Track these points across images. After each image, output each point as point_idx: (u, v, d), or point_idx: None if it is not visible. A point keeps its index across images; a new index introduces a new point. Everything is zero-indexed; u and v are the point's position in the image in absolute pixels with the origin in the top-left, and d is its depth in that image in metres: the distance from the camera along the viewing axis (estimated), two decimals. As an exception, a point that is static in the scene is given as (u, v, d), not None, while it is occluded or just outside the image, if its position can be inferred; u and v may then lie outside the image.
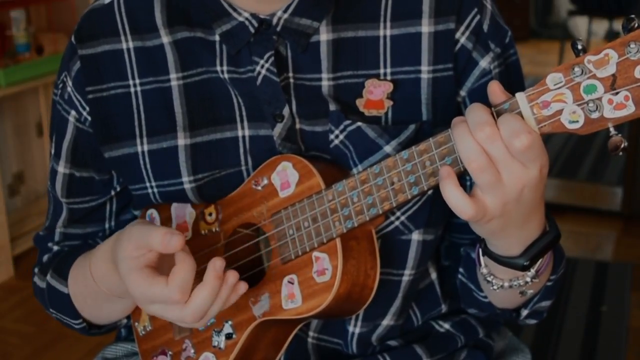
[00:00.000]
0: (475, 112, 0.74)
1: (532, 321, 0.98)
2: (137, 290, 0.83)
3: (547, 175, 0.76)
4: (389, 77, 0.91)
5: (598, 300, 2.77)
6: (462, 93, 0.94)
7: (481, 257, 0.87)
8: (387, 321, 1.00)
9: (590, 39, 5.94)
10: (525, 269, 0.83)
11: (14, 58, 3.14)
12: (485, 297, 0.95)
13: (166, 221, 0.99)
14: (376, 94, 0.91)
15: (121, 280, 0.88)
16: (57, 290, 1.02)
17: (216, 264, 0.82)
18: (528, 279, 0.85)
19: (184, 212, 0.98)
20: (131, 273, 0.83)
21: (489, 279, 0.87)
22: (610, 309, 2.71)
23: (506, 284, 0.86)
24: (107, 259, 0.91)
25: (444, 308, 1.06)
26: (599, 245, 3.24)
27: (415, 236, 0.96)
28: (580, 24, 6.38)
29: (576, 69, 0.71)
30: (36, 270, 1.08)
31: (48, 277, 1.03)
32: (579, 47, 0.72)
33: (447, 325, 1.05)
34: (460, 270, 1.00)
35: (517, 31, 6.35)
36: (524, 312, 0.95)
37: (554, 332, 2.57)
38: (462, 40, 0.92)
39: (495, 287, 0.87)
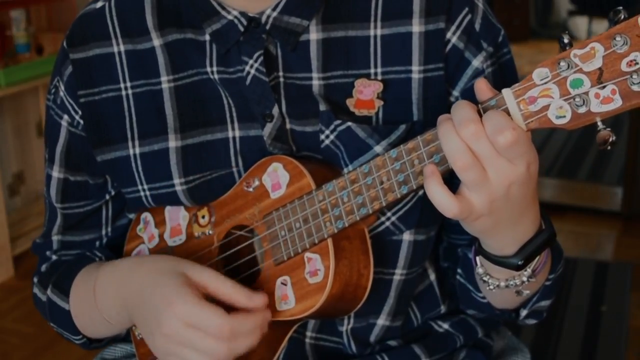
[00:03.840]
0: (461, 110, 0.73)
1: (532, 321, 0.97)
2: (183, 305, 0.82)
3: (537, 172, 0.76)
4: (379, 77, 0.91)
5: (598, 300, 2.76)
6: (455, 93, 0.93)
7: (476, 257, 0.87)
8: (382, 321, 0.99)
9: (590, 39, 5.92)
10: (519, 268, 0.82)
11: (14, 58, 3.15)
12: (484, 297, 0.95)
13: (160, 224, 1.00)
14: (366, 93, 0.91)
15: (121, 306, 0.90)
16: (58, 306, 1.02)
17: (267, 314, 0.85)
18: (524, 279, 0.84)
19: (177, 215, 0.98)
20: (185, 289, 0.83)
21: (485, 278, 0.86)
22: (610, 309, 2.71)
23: (502, 284, 0.86)
24: (116, 282, 0.93)
25: (443, 309, 1.06)
26: (599, 245, 3.23)
27: (407, 236, 0.95)
28: (580, 24, 6.37)
29: (562, 63, 0.70)
30: (35, 280, 1.08)
31: (49, 291, 1.04)
32: (565, 40, 0.71)
33: (446, 325, 1.05)
34: (459, 271, 0.99)
35: (517, 31, 6.35)
36: (523, 312, 0.95)
37: (554, 332, 2.57)
38: (454, 40, 0.91)
39: (491, 286, 0.86)
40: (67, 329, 1.04)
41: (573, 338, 2.54)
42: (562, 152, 4.12)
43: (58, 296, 1.02)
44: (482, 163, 0.73)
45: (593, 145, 4.10)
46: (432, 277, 1.05)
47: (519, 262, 0.81)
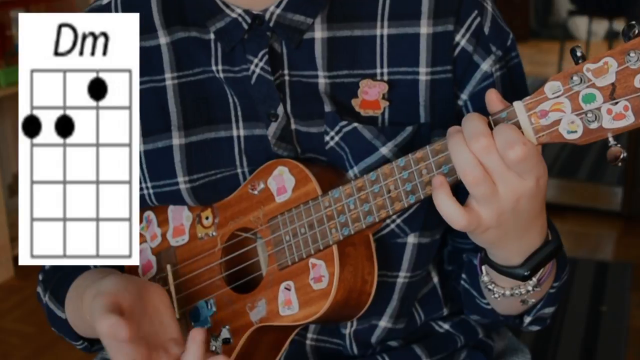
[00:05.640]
0: (472, 122, 0.73)
1: (536, 327, 0.97)
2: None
3: (546, 185, 0.76)
4: (385, 77, 0.91)
5: (598, 300, 2.76)
6: (464, 97, 0.93)
7: (482, 266, 0.86)
8: (384, 322, 0.99)
9: (590, 39, 5.92)
10: (525, 279, 0.82)
11: (14, 58, 3.14)
12: (488, 304, 0.95)
13: (163, 223, 0.99)
14: (371, 94, 0.91)
15: None
16: (56, 314, 1.02)
17: None
18: (530, 288, 0.84)
19: (180, 215, 0.98)
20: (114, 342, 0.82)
21: (490, 287, 0.86)
22: (610, 309, 2.71)
23: (507, 293, 0.85)
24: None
25: (445, 311, 1.05)
26: (599, 245, 3.24)
27: (411, 239, 0.95)
28: (580, 24, 6.37)
29: (575, 77, 0.70)
30: (40, 277, 1.08)
31: (46, 298, 1.03)
32: (578, 54, 0.71)
33: (446, 326, 1.05)
34: (463, 276, 0.99)
35: (517, 31, 6.29)
36: (527, 319, 0.94)
37: (554, 332, 2.57)
38: (463, 43, 0.91)
39: (496, 295, 0.86)
40: (67, 335, 1.03)
41: (573, 338, 2.54)
42: (562, 152, 4.12)
43: (54, 304, 1.02)
44: (492, 177, 0.73)
45: (593, 145, 4.07)
46: (436, 280, 1.04)
47: (525, 273, 0.81)
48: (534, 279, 0.83)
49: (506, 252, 0.81)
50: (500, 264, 0.83)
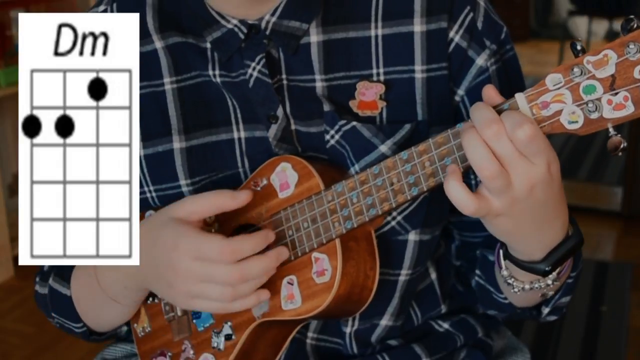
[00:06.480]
0: (480, 111, 0.73)
1: (553, 317, 0.97)
2: (186, 243, 0.84)
3: (558, 173, 0.76)
4: (382, 77, 0.91)
5: (598, 300, 2.76)
6: (460, 92, 0.93)
7: (502, 261, 0.86)
8: (385, 321, 0.99)
9: (590, 39, 5.93)
10: (546, 274, 0.82)
11: (14, 58, 3.15)
12: (505, 298, 0.95)
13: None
14: (368, 95, 0.91)
15: (126, 276, 0.90)
16: (59, 293, 1.02)
17: (269, 235, 0.85)
18: (549, 282, 0.84)
19: None
20: (182, 228, 0.85)
21: (509, 281, 0.86)
22: (610, 309, 2.71)
23: (527, 286, 0.85)
24: None
25: (443, 308, 1.06)
26: (599, 245, 3.24)
27: (412, 236, 0.96)
28: (580, 24, 6.37)
29: (575, 69, 0.71)
30: (37, 278, 1.08)
31: (50, 280, 1.04)
32: (578, 47, 0.72)
33: (446, 325, 1.05)
34: (477, 272, 0.99)
35: (517, 31, 6.34)
36: (545, 310, 0.94)
37: (554, 332, 2.57)
38: (456, 39, 0.91)
39: (516, 289, 0.86)
40: (68, 317, 1.03)
41: (573, 338, 2.54)
42: (562, 152, 4.12)
43: (59, 283, 1.02)
44: (505, 166, 0.73)
45: (593, 145, 4.10)
46: (433, 276, 1.05)
47: (547, 268, 0.81)
48: (554, 273, 0.83)
49: (527, 246, 0.81)
50: (522, 259, 0.83)
